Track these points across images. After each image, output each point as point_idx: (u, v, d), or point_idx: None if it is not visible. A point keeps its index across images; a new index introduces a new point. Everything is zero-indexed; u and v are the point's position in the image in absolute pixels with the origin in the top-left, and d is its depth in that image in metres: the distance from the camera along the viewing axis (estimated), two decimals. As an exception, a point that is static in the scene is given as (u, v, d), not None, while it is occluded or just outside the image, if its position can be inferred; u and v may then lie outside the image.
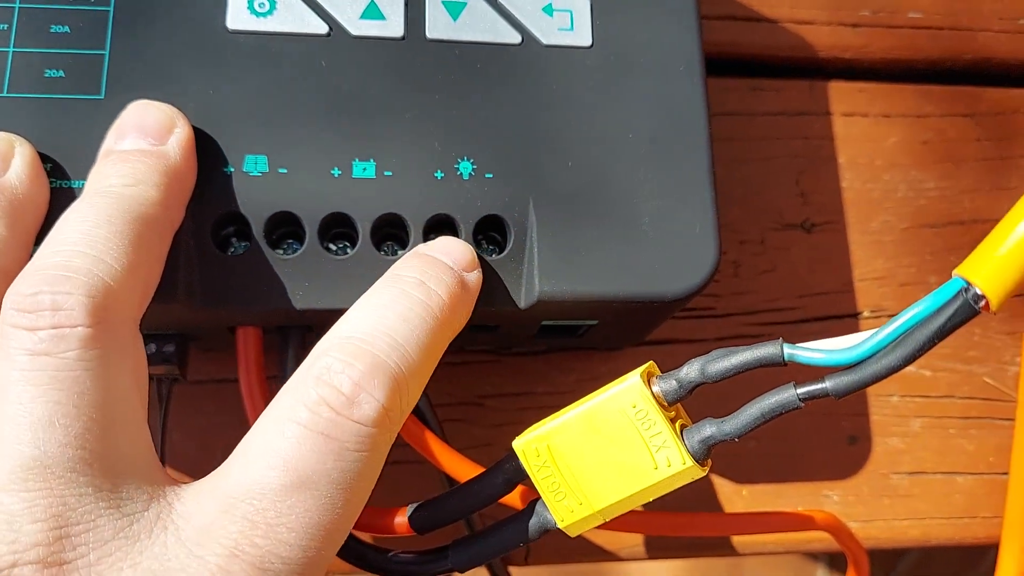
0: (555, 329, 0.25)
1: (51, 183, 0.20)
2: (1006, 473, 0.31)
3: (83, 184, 0.20)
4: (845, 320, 0.32)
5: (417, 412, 0.24)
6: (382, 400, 0.17)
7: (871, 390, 0.31)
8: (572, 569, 1.03)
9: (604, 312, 0.23)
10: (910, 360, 0.17)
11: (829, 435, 0.31)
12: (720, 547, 0.29)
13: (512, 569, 0.29)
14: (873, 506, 0.30)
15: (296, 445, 0.16)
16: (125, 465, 0.16)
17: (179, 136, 0.20)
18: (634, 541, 0.29)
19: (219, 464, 0.26)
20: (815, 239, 0.33)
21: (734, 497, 0.29)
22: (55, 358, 0.16)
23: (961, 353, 0.32)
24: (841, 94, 0.34)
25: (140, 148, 0.19)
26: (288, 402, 0.17)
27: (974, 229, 0.34)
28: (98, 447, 0.16)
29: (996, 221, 0.34)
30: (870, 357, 0.17)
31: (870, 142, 0.34)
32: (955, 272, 0.17)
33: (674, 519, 0.24)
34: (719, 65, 0.34)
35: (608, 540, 0.29)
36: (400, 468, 0.28)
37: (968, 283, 0.16)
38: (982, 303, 0.16)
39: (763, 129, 0.33)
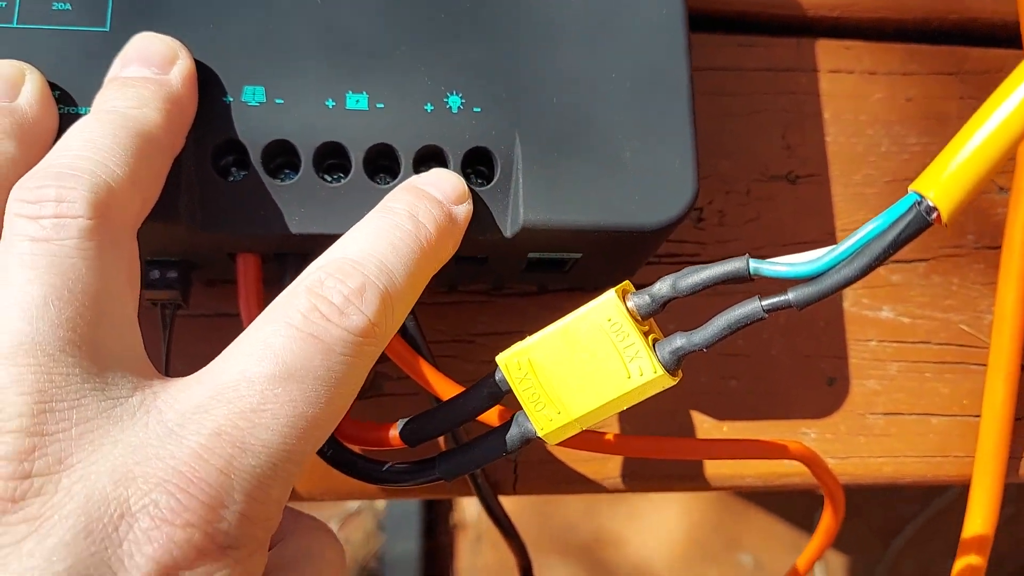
0: (542, 264, 0.27)
1: (59, 109, 0.21)
2: (978, 415, 0.32)
3: (89, 110, 0.21)
4: (826, 267, 0.33)
5: (409, 340, 0.26)
6: (370, 314, 0.18)
7: (850, 335, 0.32)
8: (575, 539, 1.05)
9: (587, 243, 0.24)
10: (867, 270, 0.18)
11: (808, 377, 0.32)
12: (695, 479, 0.30)
13: (502, 500, 0.30)
14: (849, 444, 0.31)
15: (286, 342, 0.18)
16: (113, 355, 0.17)
17: (181, 67, 0.21)
18: (615, 471, 0.30)
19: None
20: (799, 190, 0.34)
21: (715, 432, 0.31)
22: (54, 244, 0.17)
23: (939, 302, 0.33)
24: (828, 52, 0.35)
25: (144, 76, 0.21)
26: (281, 307, 0.18)
27: (955, 182, 0.35)
28: (88, 333, 0.17)
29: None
30: (830, 269, 0.18)
31: (855, 98, 0.35)
32: (909, 187, 0.18)
33: (654, 442, 0.25)
34: (709, 21, 0.35)
35: (592, 470, 0.30)
36: (394, 400, 0.29)
37: (921, 197, 0.17)
38: (934, 215, 0.17)
39: (751, 84, 0.34)
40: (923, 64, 0.36)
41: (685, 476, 0.30)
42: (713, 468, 0.30)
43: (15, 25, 0.22)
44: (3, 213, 0.18)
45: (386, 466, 0.23)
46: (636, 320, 0.20)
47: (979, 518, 0.31)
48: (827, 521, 0.32)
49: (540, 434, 0.21)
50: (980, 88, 0.36)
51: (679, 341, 0.20)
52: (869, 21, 0.36)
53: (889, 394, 0.32)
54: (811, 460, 0.28)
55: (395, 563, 1.06)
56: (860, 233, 0.18)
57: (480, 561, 1.08)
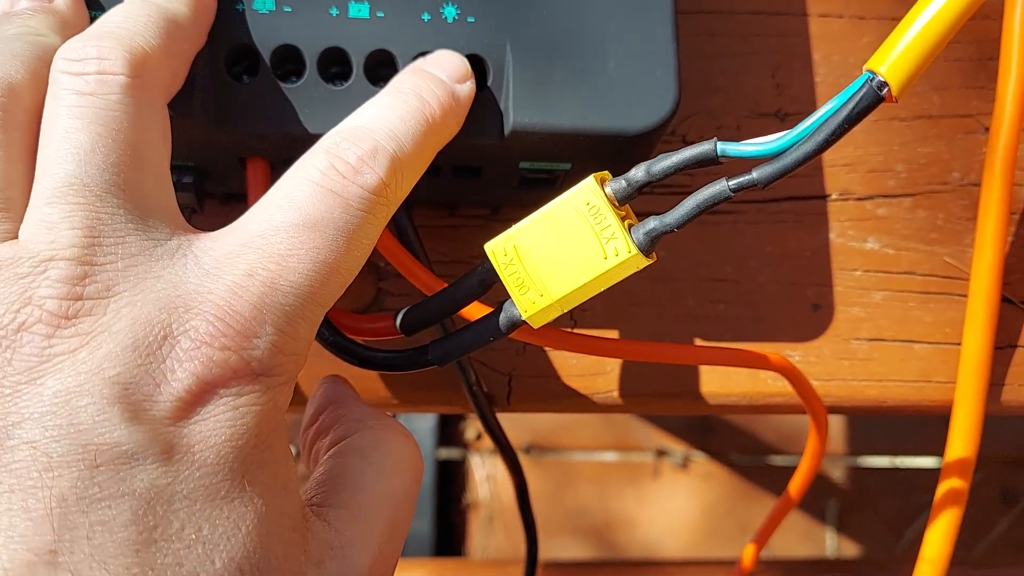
0: (534, 181, 0.28)
1: (91, 14, 0.23)
2: (960, 343, 0.33)
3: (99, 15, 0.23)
4: (812, 201, 0.34)
5: (410, 248, 0.27)
6: (382, 174, 0.20)
7: (836, 264, 0.34)
8: (586, 522, 1.06)
9: (574, 151, 0.26)
10: (826, 145, 0.19)
11: (794, 303, 0.33)
12: (683, 396, 0.32)
13: (499, 414, 0.31)
14: (833, 366, 0.33)
15: (308, 195, 0.19)
16: (152, 202, 0.19)
17: None
18: (605, 386, 0.31)
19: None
20: (788, 126, 0.35)
21: (703, 354, 0.32)
22: (98, 98, 0.19)
23: (924, 235, 0.34)
24: (818, -3, 0.37)
25: None
26: (301, 166, 0.20)
27: (941, 123, 0.36)
28: (131, 178, 0.19)
29: (964, 116, 0.36)
30: (791, 147, 0.20)
31: (844, 40, 0.36)
32: (864, 67, 0.19)
33: (640, 345, 0.27)
34: (703, -33, 0.36)
35: (584, 385, 0.31)
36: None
37: (873, 73, 0.19)
38: (885, 90, 0.19)
39: (742, 26, 0.36)
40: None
41: (672, 393, 0.32)
42: (699, 387, 0.32)
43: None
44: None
45: (381, 350, 0.24)
46: (613, 205, 0.22)
47: (960, 442, 0.32)
48: (812, 442, 0.33)
49: (524, 316, 0.22)
50: (968, 33, 0.37)
51: (652, 223, 0.21)
52: (860, -31, 0.37)
53: (873, 321, 0.33)
54: (791, 373, 0.29)
55: (408, 541, 1.07)
56: (818, 113, 0.20)
57: (492, 541, 1.09)
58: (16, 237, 0.18)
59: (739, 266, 0.33)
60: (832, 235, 0.34)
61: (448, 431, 1.11)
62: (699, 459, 1.11)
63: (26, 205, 0.19)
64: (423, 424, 1.07)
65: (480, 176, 0.27)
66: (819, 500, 1.10)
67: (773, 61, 0.35)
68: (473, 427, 1.11)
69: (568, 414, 1.05)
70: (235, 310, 0.18)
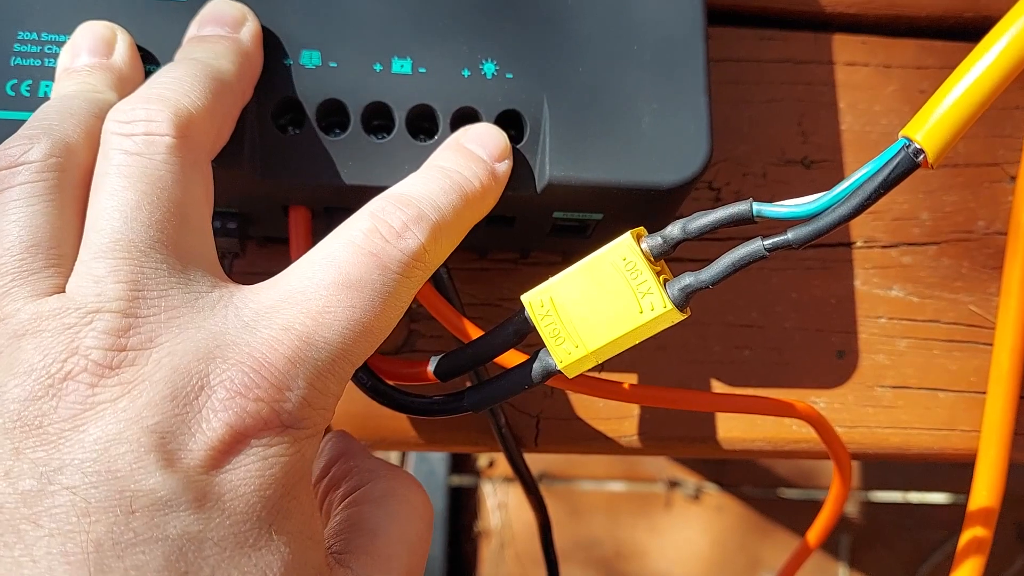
0: (566, 229, 0.29)
1: (145, 68, 0.24)
2: (985, 392, 0.33)
3: (155, 69, 0.24)
4: (838, 248, 0.35)
5: (444, 294, 0.28)
6: (423, 240, 0.21)
7: (860, 312, 0.34)
8: (598, 552, 1.06)
9: (607, 202, 0.26)
10: (860, 209, 0.20)
11: (819, 349, 0.33)
12: (707, 441, 0.32)
13: (525, 454, 0.32)
14: (857, 413, 0.33)
15: (349, 255, 0.20)
16: (194, 257, 0.20)
17: (250, 27, 0.24)
18: (631, 430, 0.32)
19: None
20: (813, 174, 0.35)
21: (728, 399, 0.32)
22: (145, 158, 0.20)
23: (948, 283, 0.35)
24: (844, 45, 0.37)
25: (218, 34, 0.23)
26: (345, 228, 0.21)
27: (967, 172, 0.36)
28: (174, 235, 0.19)
29: (989, 165, 0.36)
30: (827, 209, 0.20)
31: (870, 89, 0.37)
32: (900, 133, 0.20)
33: (668, 392, 0.27)
34: (731, 16, 0.37)
35: (609, 428, 0.32)
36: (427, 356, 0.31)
37: (909, 140, 0.19)
38: (921, 157, 0.19)
39: (770, 74, 0.36)
40: (937, 59, 0.37)
41: (697, 438, 0.32)
42: (725, 431, 0.32)
43: (104, -8, 0.24)
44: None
45: (418, 396, 0.25)
46: (649, 260, 0.22)
47: (984, 491, 0.32)
48: (835, 489, 0.33)
49: (560, 367, 0.23)
50: (992, 84, 0.37)
51: (688, 279, 0.22)
52: (885, 18, 0.38)
53: (898, 368, 0.34)
54: (817, 421, 0.29)
55: (419, 568, 1.07)
56: (854, 176, 0.20)
57: (503, 569, 1.09)
58: (63, 290, 0.19)
59: (765, 312, 0.33)
60: (857, 282, 0.34)
61: (460, 458, 1.11)
62: (711, 491, 1.10)
63: (75, 259, 0.20)
64: (436, 451, 1.08)
65: (513, 225, 0.28)
66: (831, 535, 1.10)
67: (799, 109, 0.36)
68: (486, 455, 1.11)
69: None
70: (270, 362, 0.18)
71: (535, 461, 1.10)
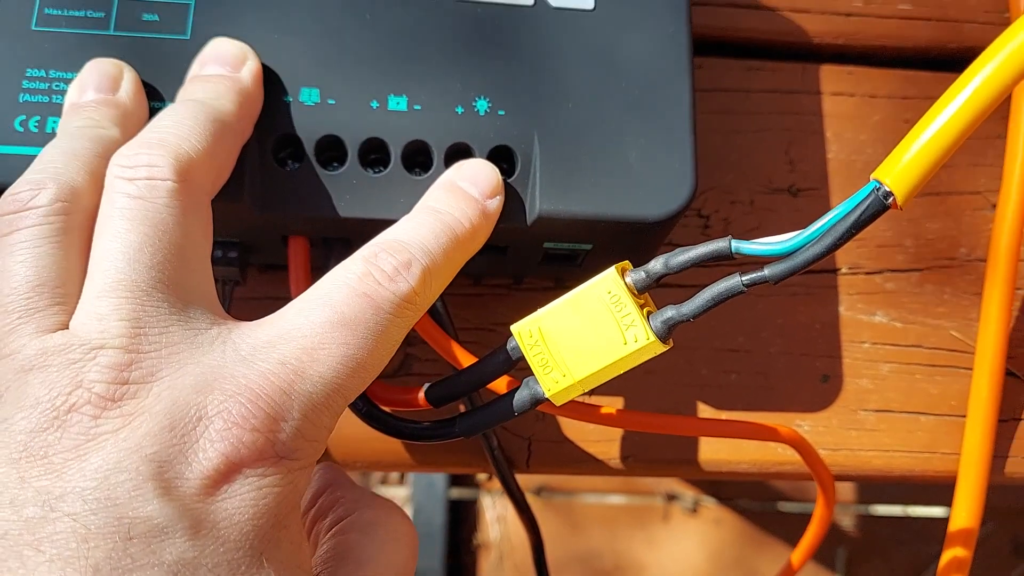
0: (557, 257, 0.30)
1: (149, 104, 0.25)
2: (965, 415, 0.34)
3: (160, 107, 0.25)
4: (824, 275, 0.36)
5: (439, 322, 0.29)
6: (413, 283, 0.22)
7: (845, 337, 0.35)
8: (597, 566, 1.06)
9: (596, 234, 0.27)
10: (833, 248, 0.21)
11: (804, 373, 0.34)
12: (692, 463, 0.33)
13: (517, 476, 0.33)
14: (841, 436, 0.34)
15: (344, 296, 0.21)
16: (194, 295, 0.21)
17: (250, 67, 0.25)
18: (621, 452, 0.33)
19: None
20: (800, 202, 0.36)
21: (715, 422, 0.33)
22: (147, 202, 0.21)
23: (931, 309, 0.36)
24: (831, 76, 0.38)
25: (220, 73, 0.24)
26: (340, 270, 0.22)
27: (949, 200, 0.37)
28: (174, 275, 0.20)
29: (972, 193, 0.37)
30: (801, 248, 0.21)
31: (856, 119, 0.38)
32: (871, 176, 0.21)
33: (653, 418, 0.28)
34: (719, 46, 0.38)
35: (599, 450, 0.33)
36: (421, 379, 0.32)
37: (879, 183, 0.20)
38: (891, 199, 0.20)
39: (757, 104, 0.37)
40: (921, 89, 0.38)
41: (683, 460, 0.33)
42: (711, 454, 0.33)
43: (112, 32, 0.25)
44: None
45: (412, 422, 0.26)
46: (633, 294, 0.23)
47: (964, 512, 0.33)
48: (819, 511, 0.34)
49: (547, 395, 0.24)
50: (975, 114, 0.38)
51: (669, 312, 0.23)
52: (871, 49, 0.39)
53: (881, 392, 0.34)
54: (800, 445, 0.30)
55: (418, 580, 1.08)
56: (827, 216, 0.21)
57: (501, 582, 1.09)
58: (68, 327, 0.20)
59: (751, 337, 0.34)
60: (842, 308, 0.35)
61: (460, 471, 1.11)
62: (709, 504, 1.11)
63: (79, 297, 0.20)
64: (435, 463, 1.08)
65: (506, 254, 0.29)
66: (828, 547, 1.10)
67: (787, 138, 0.37)
68: (485, 467, 1.12)
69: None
70: (266, 394, 0.19)
71: (533, 475, 1.10)
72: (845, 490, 1.11)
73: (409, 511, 1.08)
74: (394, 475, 1.08)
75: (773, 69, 0.38)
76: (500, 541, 1.09)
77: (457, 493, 1.10)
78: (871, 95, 0.38)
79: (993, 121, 0.38)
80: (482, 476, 1.12)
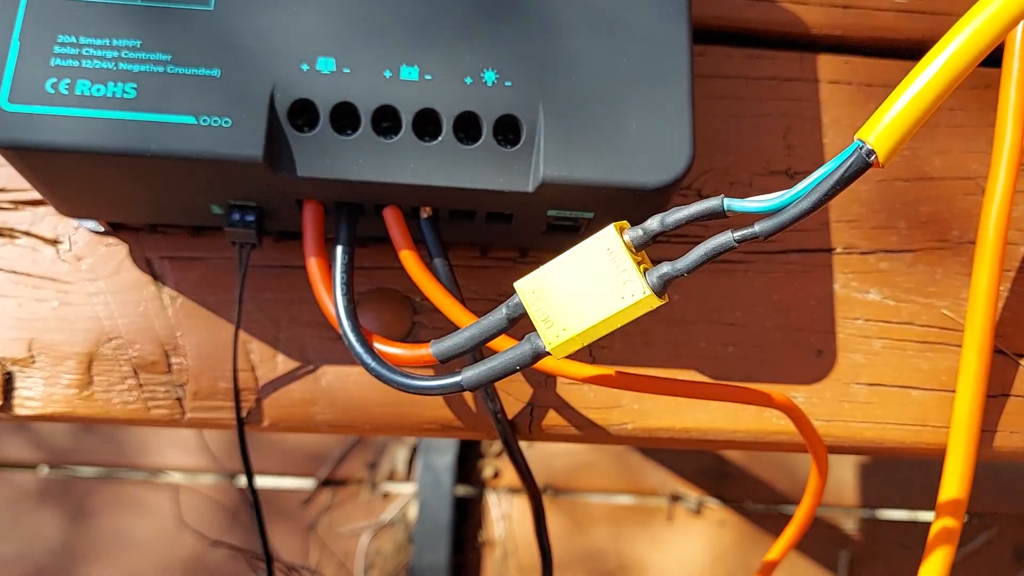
0: (560, 228, 0.31)
1: (171, 71, 0.26)
2: (955, 391, 0.35)
3: (184, 72, 0.26)
4: (819, 253, 0.37)
5: (446, 286, 0.30)
6: None
7: (839, 313, 0.36)
8: (600, 565, 1.06)
9: (598, 201, 0.28)
10: (819, 204, 0.22)
11: (798, 347, 0.35)
12: (696, 432, 0.34)
13: (520, 442, 0.34)
14: (834, 408, 0.35)
15: None
16: None
17: None
18: (620, 419, 0.34)
19: (280, 332, 0.32)
20: (797, 183, 0.37)
21: (712, 392, 0.34)
22: None
23: (923, 288, 0.37)
24: (828, 65, 0.39)
25: None
26: None
27: (942, 185, 0.38)
28: None
29: (964, 178, 0.38)
30: (789, 204, 0.22)
31: (852, 106, 0.39)
32: (855, 136, 0.22)
33: (653, 380, 0.29)
34: (720, 36, 0.39)
35: (600, 417, 0.34)
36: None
37: (862, 142, 0.21)
38: (873, 157, 0.21)
39: (757, 91, 0.39)
40: (915, 79, 0.39)
41: (680, 429, 0.34)
42: (707, 423, 0.34)
43: (138, 2, 0.27)
44: None
45: (417, 377, 0.27)
46: (631, 251, 0.24)
47: (954, 483, 0.34)
48: (813, 480, 0.35)
49: (548, 348, 0.25)
50: (969, 102, 0.40)
51: (665, 268, 0.24)
52: (868, 40, 0.40)
53: (873, 367, 0.35)
54: (794, 412, 0.31)
55: (423, 576, 1.09)
56: (814, 175, 0.22)
57: (505, 580, 1.10)
58: None
59: (748, 312, 0.35)
60: (836, 286, 0.36)
61: (466, 469, 1.12)
62: (713, 505, 1.11)
63: None
64: (442, 460, 1.09)
65: (511, 222, 0.30)
66: (831, 550, 1.11)
67: (785, 123, 0.38)
68: (491, 466, 1.12)
69: (585, 456, 1.06)
70: None
71: (540, 472, 1.11)
72: (849, 493, 1.12)
73: (415, 508, 1.09)
74: (400, 472, 1.09)
75: (772, 58, 0.39)
76: (505, 539, 1.10)
77: (463, 491, 1.11)
78: (867, 83, 0.39)
79: (986, 111, 0.39)
80: (488, 473, 1.13)
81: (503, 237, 0.32)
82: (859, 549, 1.10)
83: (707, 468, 1.12)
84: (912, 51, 0.40)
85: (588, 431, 0.34)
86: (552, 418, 0.33)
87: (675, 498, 1.12)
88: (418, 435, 0.33)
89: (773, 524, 1.10)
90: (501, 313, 0.26)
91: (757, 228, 0.23)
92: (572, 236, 0.31)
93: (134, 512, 1.03)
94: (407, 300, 0.34)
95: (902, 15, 0.40)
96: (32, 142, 0.25)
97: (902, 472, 1.11)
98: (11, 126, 0.26)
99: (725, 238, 0.23)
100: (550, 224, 0.31)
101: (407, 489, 1.09)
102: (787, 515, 1.11)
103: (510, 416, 0.33)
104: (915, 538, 1.11)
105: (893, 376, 0.35)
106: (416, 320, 0.34)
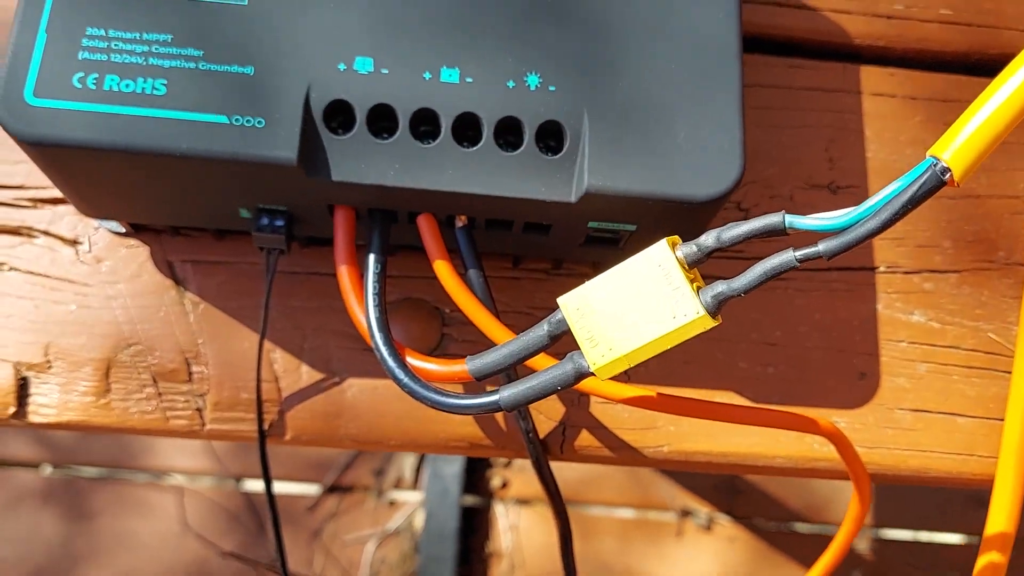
0: (599, 240, 0.30)
1: (201, 67, 0.25)
2: (1003, 419, 0.34)
3: (216, 69, 0.25)
4: (862, 272, 0.35)
5: (481, 299, 0.28)
6: None
7: (882, 335, 0.35)
8: (601, 560, 1.05)
9: (642, 214, 0.27)
10: (888, 224, 0.21)
11: (841, 370, 0.34)
12: (734, 456, 0.32)
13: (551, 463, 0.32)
14: (877, 434, 0.33)
15: None
16: None
17: None
18: (656, 442, 0.32)
19: (305, 341, 0.31)
20: (839, 199, 0.36)
21: (750, 414, 0.33)
22: None
23: (969, 311, 0.35)
24: (872, 76, 0.38)
25: None
26: None
27: (988, 203, 0.37)
28: None
29: (1011, 197, 0.37)
30: (856, 223, 0.21)
31: (896, 119, 0.38)
32: (928, 152, 0.21)
33: (695, 403, 0.28)
34: (762, 44, 0.38)
35: (635, 438, 0.32)
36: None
37: (936, 159, 0.20)
38: (948, 175, 0.20)
39: (799, 101, 0.37)
40: (963, 92, 0.38)
41: (718, 453, 0.33)
42: (745, 447, 0.33)
43: (170, -4, 0.26)
44: None
45: (452, 395, 0.26)
46: (683, 267, 0.23)
47: (1002, 516, 0.33)
48: (854, 508, 0.34)
49: (592, 369, 0.24)
50: (1016, 119, 0.38)
51: (720, 287, 0.23)
52: (913, 52, 0.39)
53: (917, 392, 0.34)
54: (839, 439, 0.30)
55: (429, 586, 1.07)
56: (883, 192, 0.21)
57: (511, 592, 1.08)
58: None
59: (789, 332, 0.34)
60: (879, 306, 0.35)
61: (474, 478, 1.11)
62: (723, 521, 1.10)
63: None
64: (450, 469, 1.08)
65: (549, 233, 0.29)
66: (843, 570, 1.09)
67: (827, 135, 0.37)
68: (499, 476, 1.11)
69: (594, 467, 1.04)
70: None
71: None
72: (861, 512, 1.10)
73: (421, 517, 1.08)
74: (407, 479, 1.08)
75: (815, 67, 0.38)
76: (512, 551, 1.09)
77: (470, 500, 1.10)
78: (912, 97, 0.38)
79: (1035, 127, 0.38)
80: (496, 483, 1.11)
81: (539, 248, 0.31)
82: (870, 570, 1.08)
83: (718, 483, 1.11)
84: (958, 64, 0.39)
85: (622, 453, 0.32)
86: (585, 438, 0.32)
87: (685, 513, 1.10)
88: (445, 452, 0.32)
89: (785, 542, 1.09)
90: (542, 330, 0.25)
91: (821, 248, 0.21)
92: (611, 248, 0.30)
93: (137, 513, 1.02)
94: (436, 311, 0.33)
95: (948, 26, 0.39)
96: (57, 138, 0.24)
97: (912, 491, 1.10)
98: (36, 121, 0.24)
99: (786, 257, 0.22)
100: (589, 236, 0.29)
101: (414, 497, 1.08)
102: (799, 533, 1.09)
103: (541, 435, 0.32)
104: (927, 559, 1.09)
105: (938, 402, 0.34)
106: (445, 332, 0.33)
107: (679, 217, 0.27)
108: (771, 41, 0.38)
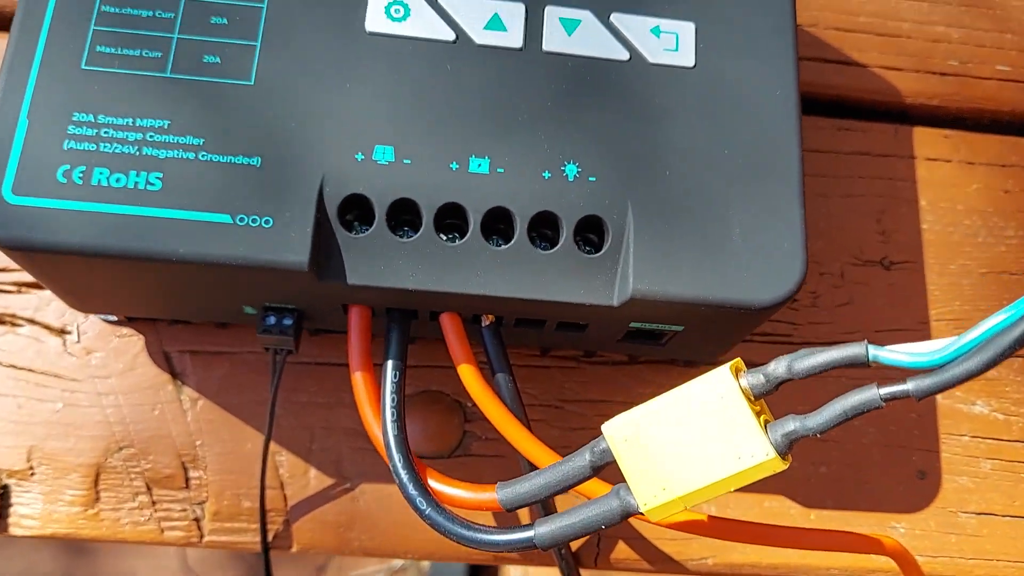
0: (640, 334, 0.27)
1: (198, 157, 0.23)
2: (1078, 522, 0.31)
3: (219, 160, 0.22)
4: (920, 357, 0.32)
5: (508, 404, 0.26)
6: None
7: (943, 428, 0.32)
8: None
9: (692, 317, 0.24)
10: (990, 365, 0.18)
11: (899, 468, 0.31)
12: (779, 568, 0.29)
13: (583, 572, 0.30)
14: (940, 542, 0.30)
15: None
16: None
17: None
18: (700, 553, 0.29)
19: (313, 442, 0.28)
20: (893, 276, 0.33)
21: (802, 521, 0.30)
22: None
23: (1036, 400, 0.32)
24: (925, 139, 0.35)
25: None
26: None
27: (1054, 279, 0.34)
28: None
29: (1077, 273, 0.34)
30: (951, 361, 0.18)
31: (952, 187, 0.35)
32: (1042, 284, 0.18)
33: (748, 527, 0.25)
34: (807, 104, 0.35)
35: (676, 550, 0.29)
36: (480, 460, 0.29)
37: (1054, 294, 0.17)
38: (1067, 312, 0.17)
39: (848, 167, 0.35)
40: (1021, 156, 0.35)
41: (770, 565, 0.30)
42: (797, 558, 0.30)
43: (168, 74, 0.23)
44: None
45: (480, 529, 0.23)
46: (749, 399, 0.20)
47: (1076, 630, 0.30)
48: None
49: (643, 510, 0.21)
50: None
51: (792, 424, 0.20)
52: (967, 111, 0.36)
53: (982, 493, 0.31)
54: (904, 559, 0.27)
55: None
56: (985, 325, 0.18)
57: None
58: None
59: (844, 426, 0.31)
60: (939, 396, 0.32)
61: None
62: None
63: None
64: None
65: (584, 330, 0.26)
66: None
67: (878, 205, 0.34)
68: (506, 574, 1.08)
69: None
70: None
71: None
72: None
73: (427, 568, 1.04)
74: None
75: (864, 130, 0.35)
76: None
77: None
78: (968, 161, 0.35)
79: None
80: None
81: (571, 342, 0.28)
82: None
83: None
84: (1016, 125, 0.36)
85: (663, 565, 0.29)
86: (621, 551, 0.29)
87: None
88: (468, 562, 0.29)
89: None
90: (584, 459, 0.22)
91: (911, 387, 0.19)
92: (653, 344, 0.27)
93: (137, 553, 0.99)
94: (457, 405, 0.30)
95: (1006, 84, 0.36)
96: (39, 243, 0.22)
97: None
98: (14, 222, 0.22)
99: (871, 395, 0.19)
100: (629, 332, 0.26)
101: None
102: None
103: (574, 547, 0.29)
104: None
105: (1005, 504, 0.31)
106: (467, 429, 0.30)
107: (732, 320, 0.24)
108: (817, 100, 0.35)
